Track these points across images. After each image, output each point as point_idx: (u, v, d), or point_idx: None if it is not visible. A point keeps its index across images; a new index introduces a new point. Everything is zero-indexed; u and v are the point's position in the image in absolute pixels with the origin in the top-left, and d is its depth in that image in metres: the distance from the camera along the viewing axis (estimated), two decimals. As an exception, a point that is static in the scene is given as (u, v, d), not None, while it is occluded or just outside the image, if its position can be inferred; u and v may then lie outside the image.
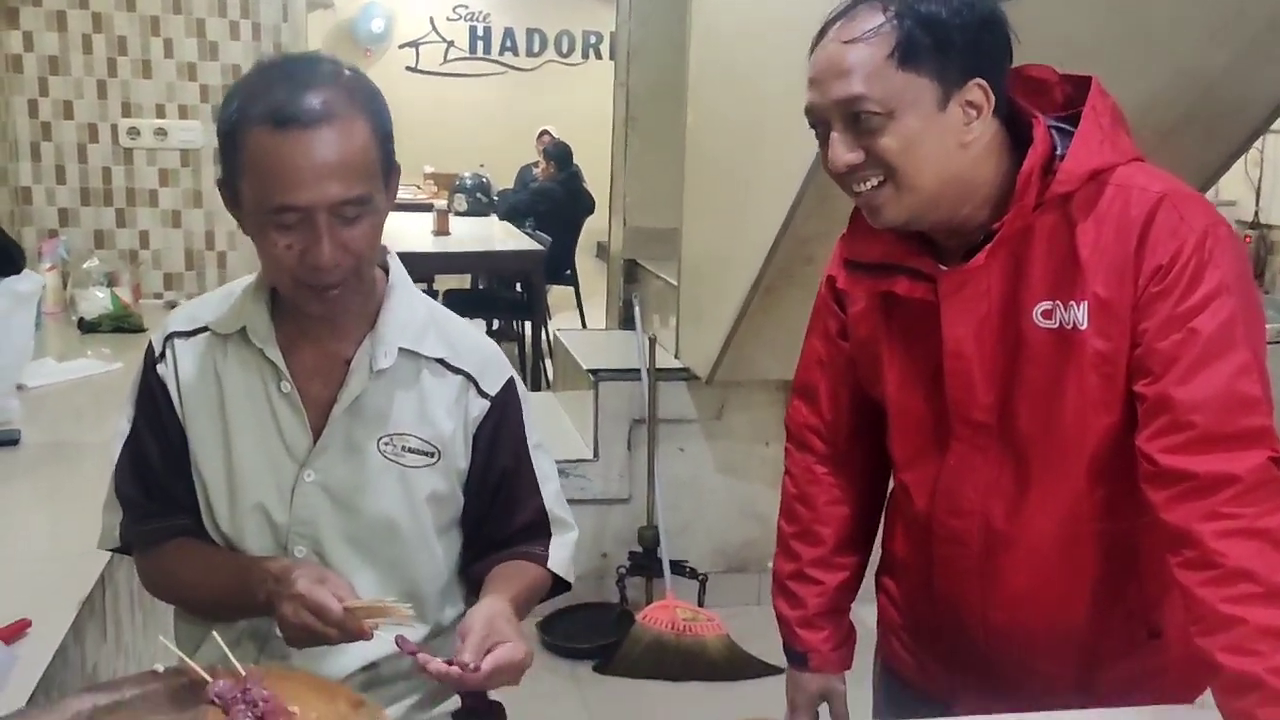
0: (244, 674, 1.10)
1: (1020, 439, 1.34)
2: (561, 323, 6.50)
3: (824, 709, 1.58)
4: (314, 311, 1.33)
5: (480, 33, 10.21)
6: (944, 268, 1.33)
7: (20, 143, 3.54)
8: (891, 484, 1.56)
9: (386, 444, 1.38)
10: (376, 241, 1.32)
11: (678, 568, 3.50)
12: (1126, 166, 1.29)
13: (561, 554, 1.49)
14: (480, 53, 10.25)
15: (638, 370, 3.58)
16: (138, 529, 1.42)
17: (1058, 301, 1.28)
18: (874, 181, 1.26)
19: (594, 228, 7.06)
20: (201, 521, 1.40)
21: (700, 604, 3.41)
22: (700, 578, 3.49)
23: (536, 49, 10.30)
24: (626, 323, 4.09)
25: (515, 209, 7.38)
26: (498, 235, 6.76)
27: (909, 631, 1.57)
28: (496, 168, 8.59)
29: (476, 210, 7.54)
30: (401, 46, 9.99)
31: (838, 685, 1.58)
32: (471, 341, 1.46)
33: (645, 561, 3.53)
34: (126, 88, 3.57)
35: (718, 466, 3.65)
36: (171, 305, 3.06)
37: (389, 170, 1.31)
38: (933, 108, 1.23)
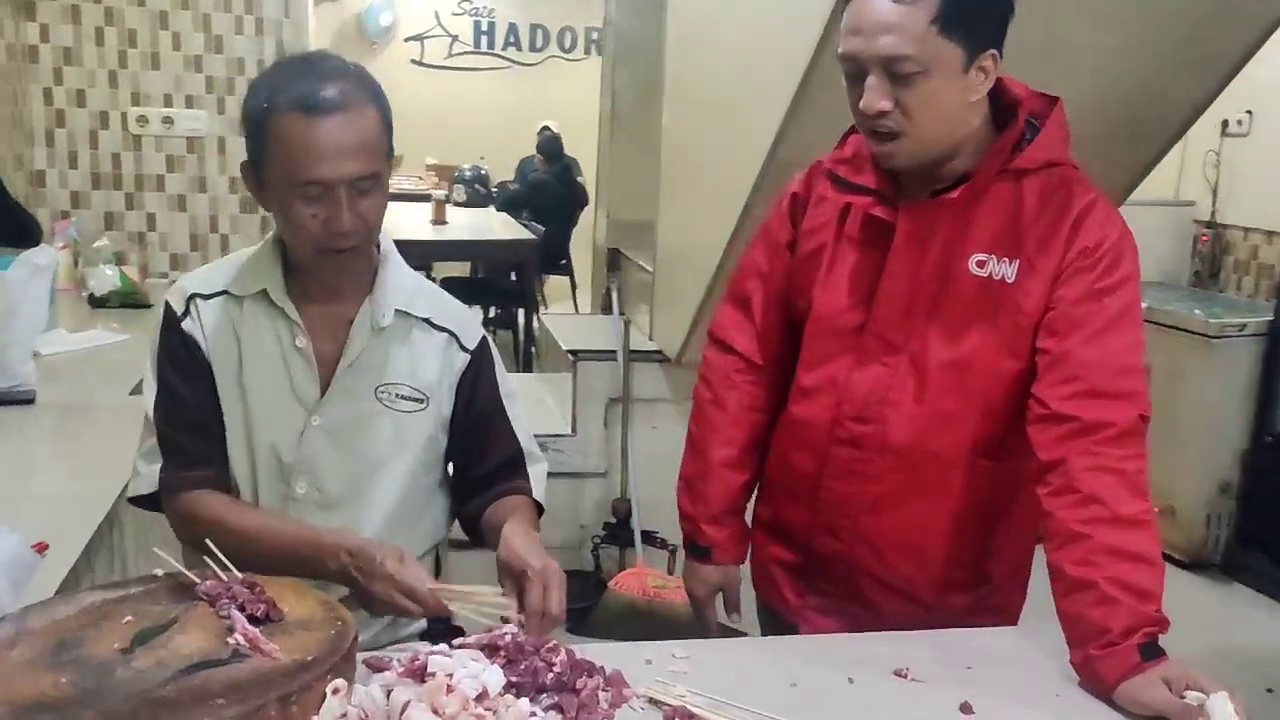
0: (227, 578, 1.30)
1: (925, 364, 1.55)
2: (556, 311, 6.67)
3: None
4: (328, 274, 1.53)
5: (485, 27, 10.25)
6: (902, 203, 1.53)
7: (35, 129, 3.69)
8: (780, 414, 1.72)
9: (383, 392, 1.57)
10: (383, 212, 1.52)
11: (649, 538, 3.62)
12: (1072, 169, 1.53)
13: (539, 485, 1.68)
14: (484, 47, 10.26)
15: (614, 352, 3.75)
16: (182, 475, 1.54)
17: (994, 255, 1.50)
18: (892, 126, 1.45)
19: (591, 220, 7.21)
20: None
21: (670, 573, 3.52)
22: (670, 548, 3.60)
23: (540, 44, 10.33)
24: (608, 308, 4.25)
25: (512, 200, 7.55)
26: (493, 225, 6.92)
27: (786, 554, 1.73)
28: (498, 160, 8.66)
29: (475, 201, 7.72)
30: (407, 40, 10.01)
31: (735, 575, 1.76)
32: (450, 305, 1.67)
33: (619, 532, 3.67)
34: (136, 78, 3.72)
35: (688, 444, 3.80)
36: (176, 283, 3.24)
37: (390, 154, 1.51)
38: (958, 70, 1.42)
